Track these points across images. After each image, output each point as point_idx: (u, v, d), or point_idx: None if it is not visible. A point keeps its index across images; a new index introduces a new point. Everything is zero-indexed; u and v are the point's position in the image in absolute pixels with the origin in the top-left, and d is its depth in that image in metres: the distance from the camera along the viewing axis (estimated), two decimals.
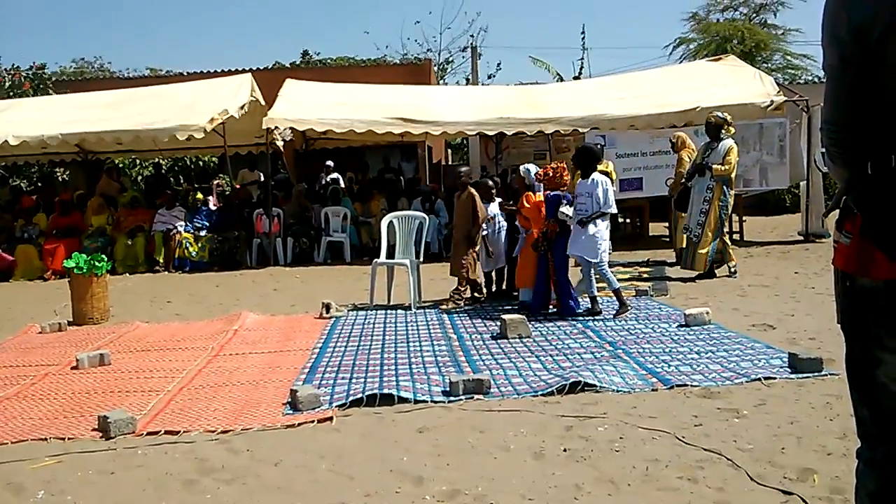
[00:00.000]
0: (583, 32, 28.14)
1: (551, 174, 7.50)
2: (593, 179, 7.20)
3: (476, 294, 8.28)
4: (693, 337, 6.13)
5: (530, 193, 7.76)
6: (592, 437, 3.97)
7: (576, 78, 25.85)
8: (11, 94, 17.45)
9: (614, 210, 7.40)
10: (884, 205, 1.89)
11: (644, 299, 7.97)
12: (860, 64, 1.85)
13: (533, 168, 7.96)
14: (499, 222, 8.35)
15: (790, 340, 5.89)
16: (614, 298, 7.31)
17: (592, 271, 7.17)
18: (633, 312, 7.25)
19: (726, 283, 8.80)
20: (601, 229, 7.15)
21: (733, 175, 9.11)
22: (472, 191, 8.19)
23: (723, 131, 9.05)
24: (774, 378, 4.86)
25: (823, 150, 2.08)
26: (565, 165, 7.89)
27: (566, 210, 7.26)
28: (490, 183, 8.80)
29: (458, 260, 8.13)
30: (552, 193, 7.42)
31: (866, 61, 1.84)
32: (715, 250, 9.11)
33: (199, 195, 13.96)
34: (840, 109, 1.95)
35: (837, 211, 2.08)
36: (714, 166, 8.92)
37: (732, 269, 9.20)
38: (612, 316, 7.11)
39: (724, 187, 9.00)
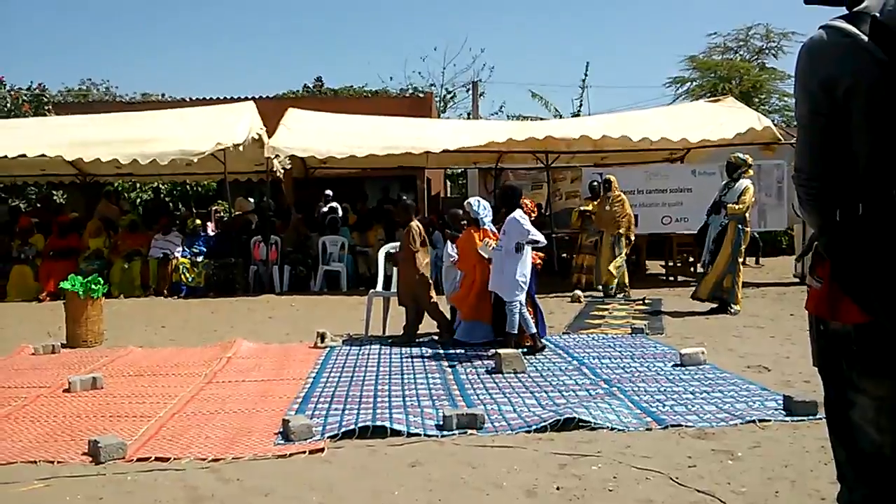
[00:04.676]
0: (586, 70, 28.20)
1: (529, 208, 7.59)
2: (510, 217, 7.19)
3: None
4: (688, 377, 6.11)
5: (473, 228, 7.73)
6: (586, 476, 3.94)
7: (575, 115, 26.06)
8: (12, 114, 17.52)
9: (537, 239, 7.19)
10: (851, 251, 1.97)
11: (640, 337, 7.96)
12: (829, 115, 1.95)
13: (475, 202, 7.88)
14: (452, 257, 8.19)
15: (785, 383, 5.88)
16: (607, 335, 7.26)
17: (515, 308, 7.08)
18: (629, 350, 7.24)
19: (722, 324, 8.80)
20: (515, 268, 7.05)
21: (748, 215, 9.37)
22: (413, 224, 8.02)
23: (741, 171, 9.33)
24: (769, 420, 4.84)
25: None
26: (533, 202, 8.02)
27: (482, 248, 7.41)
28: (461, 213, 8.77)
29: (425, 297, 7.92)
30: None
31: (835, 113, 1.93)
32: (722, 287, 9.29)
33: (198, 221, 13.99)
34: (810, 158, 2.05)
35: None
36: (729, 205, 9.21)
37: (732, 312, 9.30)
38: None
39: (739, 226, 9.28)
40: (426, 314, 8.01)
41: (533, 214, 7.75)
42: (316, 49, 59.96)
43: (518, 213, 7.22)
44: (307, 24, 61.43)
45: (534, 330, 7.20)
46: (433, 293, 7.99)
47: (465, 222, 7.96)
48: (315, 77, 28.15)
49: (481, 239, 7.59)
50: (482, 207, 7.77)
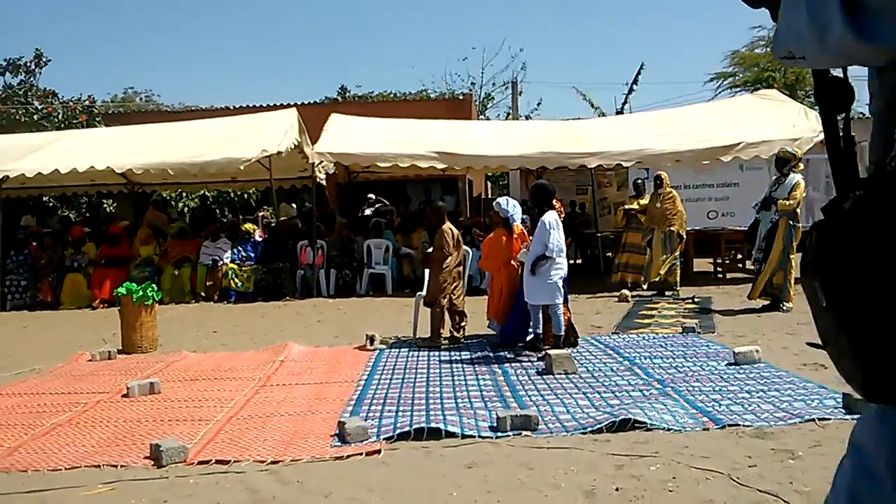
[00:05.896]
0: (639, 71, 27.86)
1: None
2: (541, 220, 7.03)
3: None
4: (743, 375, 6.02)
5: (502, 229, 7.66)
6: (644, 477, 3.91)
7: (618, 112, 25.85)
8: (64, 125, 17.94)
9: (559, 256, 6.99)
10: None
11: (691, 336, 7.87)
12: None
13: (504, 201, 7.84)
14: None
15: (843, 380, 5.74)
16: (657, 335, 7.19)
17: (560, 310, 7.03)
18: (681, 350, 7.16)
19: (774, 321, 8.66)
20: (550, 272, 6.94)
21: (799, 210, 9.20)
22: (445, 226, 8.02)
23: (791, 166, 9.18)
24: (829, 419, 4.76)
25: None
26: (561, 203, 7.92)
27: (521, 255, 7.32)
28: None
29: (442, 293, 7.92)
30: None
31: None
32: (773, 284, 9.19)
33: (252, 226, 14.20)
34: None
35: None
36: (779, 201, 9.08)
37: (785, 309, 9.16)
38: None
39: (790, 222, 9.12)
40: (464, 313, 8.04)
41: (562, 215, 7.71)
42: (354, 53, 60.49)
43: (549, 217, 7.05)
44: (343, 30, 62.03)
45: (562, 331, 7.11)
46: (444, 299, 7.92)
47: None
48: (339, 86, 28.41)
49: (522, 244, 7.52)
50: (511, 206, 7.72)
